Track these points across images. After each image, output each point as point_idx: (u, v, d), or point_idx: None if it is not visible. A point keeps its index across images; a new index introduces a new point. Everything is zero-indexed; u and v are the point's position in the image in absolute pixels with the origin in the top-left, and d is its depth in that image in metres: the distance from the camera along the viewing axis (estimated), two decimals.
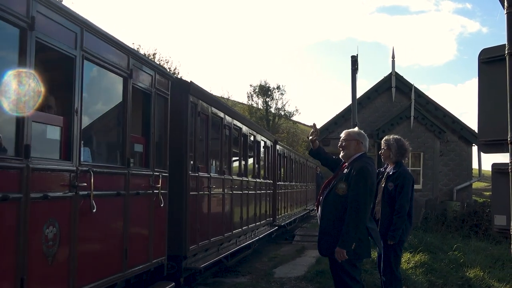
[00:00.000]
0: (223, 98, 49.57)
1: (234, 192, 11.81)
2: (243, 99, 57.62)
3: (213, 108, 10.31)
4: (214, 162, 11.12)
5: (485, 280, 10.57)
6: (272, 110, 55.92)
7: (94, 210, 5.30)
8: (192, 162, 9.02)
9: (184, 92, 8.72)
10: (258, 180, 15.04)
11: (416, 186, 21.39)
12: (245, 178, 13.27)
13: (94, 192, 5.33)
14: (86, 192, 5.25)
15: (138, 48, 36.18)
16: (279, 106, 56.10)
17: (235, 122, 12.36)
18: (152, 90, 7.30)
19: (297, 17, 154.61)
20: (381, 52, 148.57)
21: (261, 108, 55.88)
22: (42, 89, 4.64)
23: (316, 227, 19.27)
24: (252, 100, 56.14)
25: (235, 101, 55.37)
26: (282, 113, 56.20)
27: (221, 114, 11.02)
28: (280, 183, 19.17)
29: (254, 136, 14.82)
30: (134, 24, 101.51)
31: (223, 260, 11.08)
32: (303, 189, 27.74)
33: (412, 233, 14.13)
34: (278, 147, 19.05)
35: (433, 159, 21.59)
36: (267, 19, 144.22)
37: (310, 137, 6.60)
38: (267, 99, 55.63)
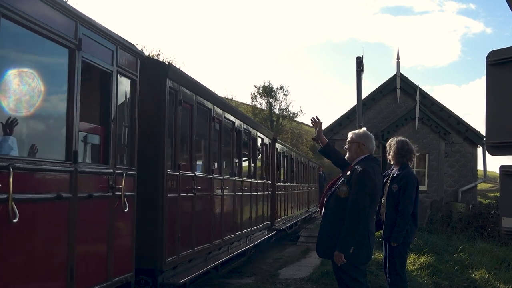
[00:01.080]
0: (226, 98, 49.62)
1: (225, 194, 10.60)
2: (247, 100, 57.74)
3: (198, 97, 8.94)
4: (201, 160, 9.86)
5: (491, 281, 10.53)
6: (276, 111, 55.97)
7: (15, 220, 3.89)
8: (171, 159, 7.74)
9: (161, 76, 7.36)
10: (254, 180, 13.72)
11: (421, 188, 21.12)
12: (238, 178, 11.98)
13: (16, 196, 3.93)
14: (3, 196, 3.84)
15: (142, 49, 36.21)
16: (283, 107, 56.17)
17: (227, 115, 11.02)
18: (113, 68, 5.85)
19: (300, 17, 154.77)
20: (385, 53, 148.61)
21: (265, 109, 55.91)
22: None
23: None
24: (256, 101, 56.14)
25: (238, 101, 55.32)
26: (286, 114, 56.23)
27: (209, 105, 9.65)
28: (279, 184, 17.84)
29: (250, 132, 13.50)
30: (138, 25, 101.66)
31: (212, 271, 10.00)
32: (305, 190, 26.50)
33: (417, 235, 14.07)
34: (277, 145, 17.76)
35: (438, 161, 21.40)
36: (270, 20, 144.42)
37: (316, 129, 6.61)
38: (271, 100, 55.67)
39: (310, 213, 26.91)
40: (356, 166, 5.82)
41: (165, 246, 7.30)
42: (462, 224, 18.17)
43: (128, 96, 6.48)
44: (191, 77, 8.70)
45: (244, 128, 12.66)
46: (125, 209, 5.97)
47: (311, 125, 6.85)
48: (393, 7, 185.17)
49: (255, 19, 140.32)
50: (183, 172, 8.07)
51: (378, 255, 10.00)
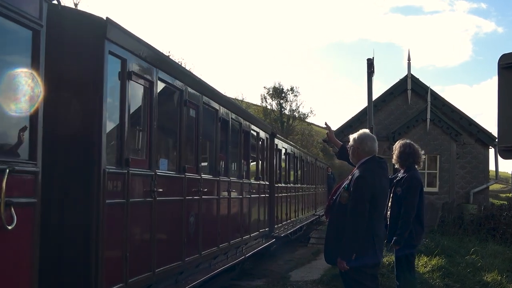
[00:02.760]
0: (237, 99, 49.68)
1: (205, 197, 8.69)
2: (257, 101, 57.79)
3: (162, 73, 6.96)
4: (168, 154, 8.33)
5: (503, 284, 10.46)
6: (286, 112, 55.97)
7: None
8: (117, 151, 5.86)
9: (97, 36, 5.43)
10: (246, 181, 11.86)
11: (432, 189, 21.26)
12: (224, 178, 10.04)
13: None
14: None
15: None
16: (293, 107, 56.16)
17: (207, 99, 9.04)
18: None
19: (309, 18, 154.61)
20: (395, 53, 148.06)
21: (275, 110, 55.94)
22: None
23: None
24: (266, 102, 56.21)
25: (249, 102, 55.43)
26: (296, 115, 56.22)
27: (179, 84, 7.69)
28: (279, 185, 16.00)
29: (241, 124, 11.49)
30: (147, 26, 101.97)
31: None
32: (312, 192, 24.68)
33: (428, 237, 14.07)
34: (277, 141, 15.83)
35: (449, 162, 21.31)
36: (280, 21, 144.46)
37: (327, 134, 6.66)
38: (281, 101, 55.68)
39: (318, 216, 25.60)
40: (355, 171, 5.81)
41: (102, 272, 5.39)
42: (474, 226, 18.07)
43: (20, 53, 4.39)
44: (148, 44, 6.53)
45: (232, 118, 10.68)
46: (12, 224, 3.84)
47: (321, 126, 6.87)
48: (403, 7, 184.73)
49: (266, 20, 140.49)
50: (135, 170, 6.10)
51: (390, 258, 9.97)
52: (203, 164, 9.09)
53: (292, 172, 19.41)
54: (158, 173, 6.82)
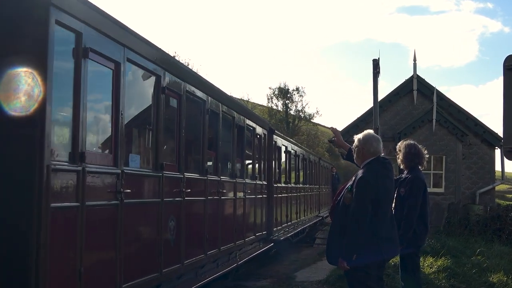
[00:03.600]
0: (243, 100, 49.69)
1: (189, 199, 7.66)
2: (263, 102, 57.82)
3: (132, 53, 5.93)
4: (142, 148, 7.21)
5: (509, 285, 10.38)
6: (292, 112, 55.96)
7: None
8: (70, 142, 4.91)
9: (40, 2, 4.50)
10: (240, 180, 10.88)
11: (438, 190, 21.23)
12: (213, 178, 9.04)
13: None
14: None
15: None
16: (299, 108, 56.15)
17: (192, 88, 7.96)
18: None
19: (315, 18, 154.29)
20: (401, 53, 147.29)
21: (281, 110, 55.95)
22: None
23: None
24: (272, 103, 56.21)
25: (254, 103, 55.45)
26: (302, 115, 56.20)
27: (156, 69, 6.64)
28: (279, 185, 14.96)
29: (234, 117, 10.49)
30: (154, 27, 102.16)
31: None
32: (315, 193, 23.57)
33: (434, 237, 14.04)
34: (276, 138, 14.83)
35: (455, 163, 21.26)
36: (285, 21, 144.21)
37: (334, 139, 6.69)
38: (287, 101, 55.69)
39: (321, 217, 24.51)
40: (359, 172, 5.81)
41: None
42: (479, 226, 18.03)
43: None
44: (113, 17, 5.61)
45: (223, 110, 9.70)
46: None
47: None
48: (409, 7, 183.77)
49: (271, 21, 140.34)
50: (93, 167, 5.13)
51: (395, 258, 9.95)
52: (193, 161, 8.50)
53: (293, 172, 18.54)
54: (126, 171, 5.71)
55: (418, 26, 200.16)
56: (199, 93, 8.37)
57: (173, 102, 7.46)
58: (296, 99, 55.62)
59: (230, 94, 14.00)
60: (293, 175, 18.31)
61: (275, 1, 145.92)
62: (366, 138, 5.94)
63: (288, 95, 55.33)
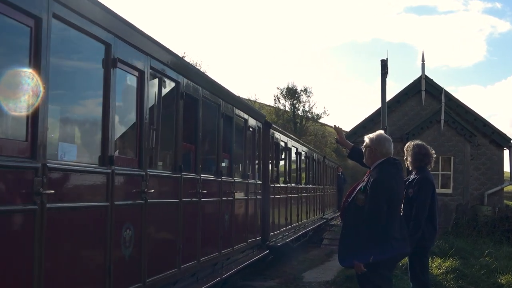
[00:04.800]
0: (250, 100, 49.72)
1: (154, 201, 6.17)
2: (270, 102, 57.83)
3: (68, 12, 4.58)
4: (83, 139, 5.70)
5: None
6: (300, 112, 55.95)
7: None
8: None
9: None
10: (227, 179, 9.48)
11: (446, 191, 21.17)
12: (190, 175, 7.64)
13: None
14: None
15: None
16: (307, 108, 56.14)
17: (160, 65, 6.60)
18: None
19: (322, 18, 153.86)
20: (409, 53, 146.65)
21: (288, 110, 55.95)
22: None
23: None
24: (279, 103, 56.22)
25: (262, 103, 55.48)
26: (310, 115, 56.18)
27: (105, 36, 5.22)
28: (277, 185, 13.62)
29: (219, 106, 9.06)
30: (163, 27, 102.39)
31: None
32: (319, 194, 22.17)
33: (442, 238, 14.02)
34: (273, 132, 13.35)
35: (463, 163, 21.19)
36: (292, 21, 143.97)
37: (337, 138, 6.70)
38: (294, 102, 55.68)
39: (326, 219, 23.39)
40: (372, 173, 5.79)
41: None
42: (488, 227, 17.96)
43: None
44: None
45: (204, 96, 8.26)
46: None
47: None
48: (417, 7, 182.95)
49: (279, 20, 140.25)
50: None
51: (404, 259, 9.94)
52: (163, 156, 7.14)
53: (296, 171, 17.37)
54: (50, 165, 4.31)
55: (425, 26, 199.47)
56: (170, 73, 6.95)
57: (131, 80, 6.05)
58: (304, 100, 55.66)
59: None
60: (294, 174, 17.24)
61: (282, 1, 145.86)
62: (379, 139, 5.94)
63: (296, 95, 55.34)
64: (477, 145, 21.71)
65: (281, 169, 15.27)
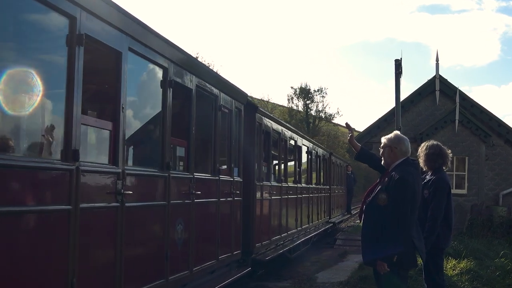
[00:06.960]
0: (263, 100, 49.72)
1: (86, 205, 4.62)
2: (284, 102, 57.83)
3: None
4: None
5: None
6: (313, 112, 55.91)
7: None
8: None
9: None
10: (183, 175, 7.21)
11: (461, 191, 21.04)
12: (153, 172, 6.22)
13: None
14: None
15: None
16: (320, 108, 56.07)
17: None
18: None
19: (336, 18, 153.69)
20: (422, 52, 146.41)
21: (301, 110, 55.91)
22: None
23: (357, 230, 19.19)
24: (292, 103, 56.22)
25: (275, 103, 55.51)
26: (323, 115, 56.10)
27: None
28: (264, 183, 11.16)
29: (167, 71, 6.48)
30: (176, 27, 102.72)
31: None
32: (324, 194, 20.15)
33: (457, 239, 13.93)
34: (260, 118, 11.00)
35: (478, 164, 21.06)
36: (306, 21, 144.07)
37: (348, 138, 6.72)
38: (308, 102, 55.65)
39: (333, 223, 21.37)
40: (393, 173, 5.77)
41: None
42: (503, 228, 17.83)
43: None
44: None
45: (158, 62, 6.33)
46: None
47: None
48: (430, 6, 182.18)
49: (291, 20, 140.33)
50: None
51: (418, 260, 9.90)
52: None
53: (296, 168, 15.01)
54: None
55: (439, 25, 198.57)
56: (108, 29, 5.15)
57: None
58: (317, 100, 55.62)
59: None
60: (295, 171, 15.06)
61: (295, 1, 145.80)
62: (398, 138, 6.00)
63: (310, 95, 55.33)
64: (492, 145, 21.55)
65: (281, 166, 13.36)
